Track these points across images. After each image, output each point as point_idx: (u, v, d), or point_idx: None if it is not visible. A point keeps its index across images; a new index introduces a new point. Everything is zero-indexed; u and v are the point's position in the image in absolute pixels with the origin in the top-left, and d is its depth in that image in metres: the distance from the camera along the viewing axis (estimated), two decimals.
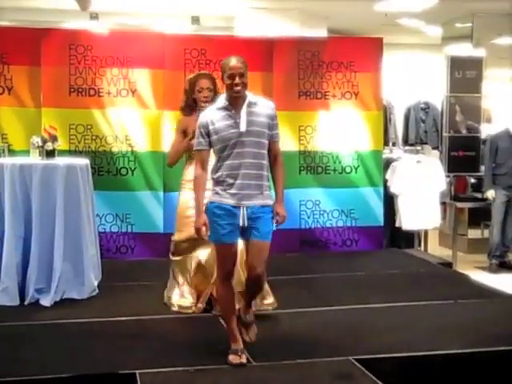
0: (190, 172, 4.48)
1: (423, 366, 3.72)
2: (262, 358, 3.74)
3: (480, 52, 8.31)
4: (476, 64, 7.47)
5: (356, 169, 6.76)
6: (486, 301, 5.10)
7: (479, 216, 7.64)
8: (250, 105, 3.59)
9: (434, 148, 8.60)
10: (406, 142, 9.17)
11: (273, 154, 3.69)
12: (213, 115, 3.57)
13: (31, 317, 4.45)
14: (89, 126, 6.25)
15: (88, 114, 6.25)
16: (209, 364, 3.66)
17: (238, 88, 3.52)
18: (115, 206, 6.26)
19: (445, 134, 7.41)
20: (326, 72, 6.64)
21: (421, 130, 9.29)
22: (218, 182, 3.58)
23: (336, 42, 7.25)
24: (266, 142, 3.61)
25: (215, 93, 4.47)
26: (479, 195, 7.41)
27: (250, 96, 3.62)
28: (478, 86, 7.42)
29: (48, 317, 4.46)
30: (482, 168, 7.20)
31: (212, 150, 3.64)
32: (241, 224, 3.55)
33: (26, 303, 4.69)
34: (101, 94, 6.27)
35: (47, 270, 4.75)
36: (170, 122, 6.34)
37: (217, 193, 3.58)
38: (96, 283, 5.01)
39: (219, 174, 3.57)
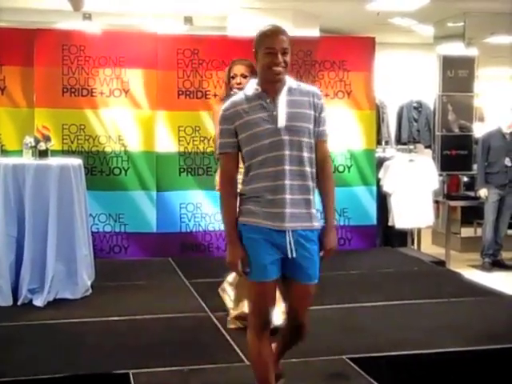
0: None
1: (417, 365, 3.73)
2: None
3: (472, 51, 8.33)
4: (468, 63, 7.50)
5: (349, 168, 6.78)
6: (479, 299, 5.12)
7: (472, 214, 7.67)
8: (291, 92, 2.72)
9: (426, 147, 8.62)
10: (398, 140, 9.20)
11: (319, 158, 2.76)
12: (241, 105, 2.70)
13: (24, 317, 4.44)
14: (82, 126, 6.24)
15: (81, 114, 6.25)
16: (203, 364, 3.66)
17: (279, 69, 2.65)
18: (108, 206, 6.26)
19: (437, 133, 7.43)
20: (318, 71, 6.65)
21: (413, 128, 9.32)
22: (250, 198, 2.70)
23: (328, 41, 7.26)
24: (312, 141, 2.72)
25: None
26: (472, 194, 7.44)
27: (290, 80, 2.75)
28: (470, 85, 7.45)
29: (41, 317, 4.45)
30: (475, 167, 7.23)
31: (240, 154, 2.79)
32: (289, 255, 2.66)
33: (19, 303, 4.68)
34: (94, 94, 6.26)
35: (40, 270, 4.74)
36: (163, 122, 6.35)
37: (250, 212, 2.69)
38: (89, 283, 5.00)
39: (252, 186, 2.69)
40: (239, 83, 4.04)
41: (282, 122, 2.66)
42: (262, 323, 2.76)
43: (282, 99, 2.69)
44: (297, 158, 2.67)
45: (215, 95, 6.39)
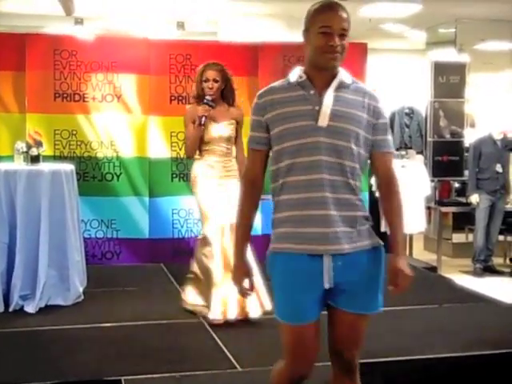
0: (199, 167, 4.48)
1: (408, 371, 3.73)
2: (248, 363, 3.74)
3: (463, 57, 8.38)
4: (459, 69, 7.53)
5: None
6: (471, 305, 5.14)
7: (463, 220, 7.70)
8: (343, 87, 2.25)
9: (418, 153, 8.65)
10: None
11: (381, 175, 2.30)
12: (279, 93, 2.25)
13: (15, 323, 4.42)
14: (74, 132, 6.23)
15: (73, 119, 6.23)
16: (195, 370, 3.65)
17: (335, 54, 2.19)
18: (100, 212, 6.24)
19: (429, 139, 7.46)
20: None
21: (405, 134, 9.34)
22: (282, 216, 2.24)
23: None
24: (362, 150, 2.23)
25: (225, 84, 4.47)
26: (463, 200, 7.47)
27: (344, 73, 2.28)
28: (462, 91, 7.49)
29: (32, 323, 4.43)
30: (466, 173, 7.26)
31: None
32: (325, 285, 2.20)
33: (10, 310, 4.65)
34: (86, 100, 6.25)
35: (32, 277, 4.72)
36: (155, 128, 6.34)
37: (283, 235, 2.22)
38: (81, 289, 4.98)
39: (284, 197, 2.22)
40: (211, 88, 4.40)
41: (323, 119, 2.18)
42: (298, 377, 2.31)
43: (330, 93, 2.21)
44: (337, 165, 2.18)
45: None
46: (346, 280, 2.20)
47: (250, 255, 3.93)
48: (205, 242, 4.44)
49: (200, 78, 4.46)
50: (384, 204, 2.32)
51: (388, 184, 2.31)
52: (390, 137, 2.30)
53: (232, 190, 4.24)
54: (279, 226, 2.24)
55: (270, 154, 2.31)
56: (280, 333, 2.31)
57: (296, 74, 2.28)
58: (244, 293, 2.39)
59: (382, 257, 2.28)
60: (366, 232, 2.25)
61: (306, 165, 2.18)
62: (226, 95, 4.52)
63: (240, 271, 2.36)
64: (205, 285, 4.49)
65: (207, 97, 4.41)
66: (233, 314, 4.37)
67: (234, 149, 4.57)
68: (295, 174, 2.20)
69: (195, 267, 4.58)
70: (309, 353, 2.26)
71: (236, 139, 4.58)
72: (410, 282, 2.25)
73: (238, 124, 4.58)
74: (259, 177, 2.33)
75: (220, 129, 4.47)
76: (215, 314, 4.35)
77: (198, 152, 4.48)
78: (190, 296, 4.64)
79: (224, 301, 4.33)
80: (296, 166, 2.19)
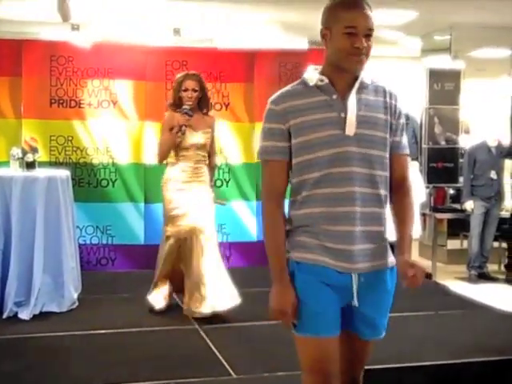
0: (173, 171, 4.70)
1: (404, 378, 3.73)
2: (243, 370, 3.74)
3: (458, 64, 8.41)
4: (454, 76, 7.57)
5: None
6: (466, 311, 5.15)
7: (458, 227, 7.70)
8: (364, 88, 2.10)
9: (413, 159, 8.67)
10: None
11: (396, 177, 2.15)
12: (298, 99, 2.06)
13: (9, 330, 4.41)
14: (69, 138, 6.23)
15: (69, 125, 6.23)
16: (190, 377, 3.65)
17: (361, 57, 2.03)
18: (96, 218, 6.24)
19: (424, 146, 7.48)
20: None
21: None
22: (301, 228, 2.08)
23: (317, 53, 7.27)
24: (387, 155, 2.10)
25: (202, 93, 4.70)
26: (458, 206, 7.48)
27: (364, 73, 2.11)
28: (457, 98, 7.52)
29: (27, 330, 4.42)
30: (461, 179, 7.28)
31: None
32: (354, 303, 2.09)
33: (4, 316, 4.64)
34: (82, 106, 6.25)
35: (26, 283, 4.71)
36: (151, 134, 6.35)
37: (304, 245, 2.07)
38: (76, 296, 4.98)
39: (305, 211, 2.07)
40: (190, 97, 4.62)
41: (351, 127, 2.03)
42: None
43: (353, 97, 2.05)
44: (369, 176, 2.05)
45: None
46: (367, 300, 2.10)
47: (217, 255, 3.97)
48: (166, 241, 4.73)
49: (179, 87, 4.68)
50: (396, 204, 2.18)
51: (402, 186, 2.17)
52: (405, 137, 2.19)
53: (202, 196, 4.66)
54: (298, 234, 2.08)
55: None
56: (301, 348, 2.13)
57: (313, 76, 2.08)
58: (288, 325, 2.11)
59: (395, 278, 2.16)
60: (386, 249, 2.14)
61: (336, 177, 2.03)
62: (202, 104, 4.76)
63: (288, 301, 2.06)
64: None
65: (186, 107, 4.62)
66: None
67: (206, 157, 4.80)
68: (324, 187, 2.03)
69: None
70: (331, 366, 2.11)
71: (211, 145, 4.83)
72: (423, 275, 2.14)
73: (211, 134, 4.81)
74: (284, 192, 2.12)
75: (197, 137, 4.69)
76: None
77: (174, 157, 4.70)
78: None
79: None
80: (325, 179, 2.03)
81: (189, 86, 4.66)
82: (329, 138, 2.03)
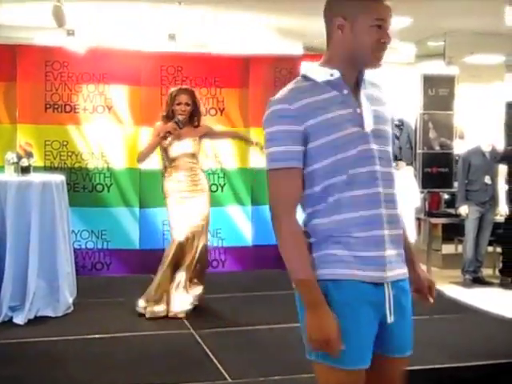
0: (170, 183, 4.86)
1: None
2: (238, 374, 3.74)
3: (452, 70, 8.45)
4: (448, 82, 7.60)
5: None
6: (461, 316, 5.16)
7: (453, 231, 7.72)
8: (368, 83, 1.97)
9: (408, 164, 8.71)
10: None
11: None
12: (312, 95, 1.86)
13: (4, 335, 4.40)
14: (64, 143, 6.23)
15: (64, 130, 6.23)
16: (185, 381, 3.65)
17: (383, 53, 1.91)
18: (91, 223, 6.23)
19: (418, 151, 7.51)
20: None
21: (395, 146, 9.40)
22: (332, 238, 1.86)
23: (311, 59, 7.31)
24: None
25: (194, 107, 4.87)
26: (453, 211, 7.50)
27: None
28: (451, 104, 7.55)
29: (21, 335, 4.41)
30: (456, 184, 7.30)
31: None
32: (388, 320, 1.88)
33: None
34: (77, 111, 6.25)
35: (21, 288, 4.70)
36: (146, 139, 6.34)
37: (337, 259, 1.85)
38: (71, 300, 4.97)
39: (336, 218, 1.86)
40: (184, 110, 4.80)
41: (369, 124, 1.89)
42: None
43: (362, 92, 1.92)
44: (387, 175, 1.92)
45: None
46: (398, 313, 1.90)
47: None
48: (173, 245, 4.88)
49: (172, 100, 4.86)
50: None
51: None
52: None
53: (200, 203, 4.85)
54: (328, 247, 1.85)
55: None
56: (324, 379, 1.88)
57: (321, 70, 1.90)
58: (336, 354, 1.80)
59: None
60: (403, 256, 1.96)
61: (363, 178, 1.86)
62: (193, 118, 4.93)
63: (332, 326, 1.78)
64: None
65: (179, 117, 4.79)
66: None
67: (200, 164, 5.01)
68: (354, 189, 1.85)
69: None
70: None
71: (218, 135, 5.34)
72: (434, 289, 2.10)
73: (209, 134, 5.11)
74: (298, 203, 1.89)
75: (184, 145, 4.85)
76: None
77: (165, 170, 4.93)
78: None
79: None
80: (353, 180, 1.85)
81: (182, 100, 4.85)
82: (351, 136, 1.85)
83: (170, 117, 4.88)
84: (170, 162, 4.85)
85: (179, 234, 4.81)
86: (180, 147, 4.85)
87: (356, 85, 1.92)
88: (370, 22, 1.84)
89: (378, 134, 1.91)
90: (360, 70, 1.92)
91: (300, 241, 1.85)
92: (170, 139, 4.76)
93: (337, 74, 1.88)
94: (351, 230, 1.84)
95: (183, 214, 4.81)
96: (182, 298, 4.82)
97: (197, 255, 4.88)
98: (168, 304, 4.81)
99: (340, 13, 1.87)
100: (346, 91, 1.88)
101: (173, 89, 5.01)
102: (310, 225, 1.88)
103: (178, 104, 4.84)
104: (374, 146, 1.88)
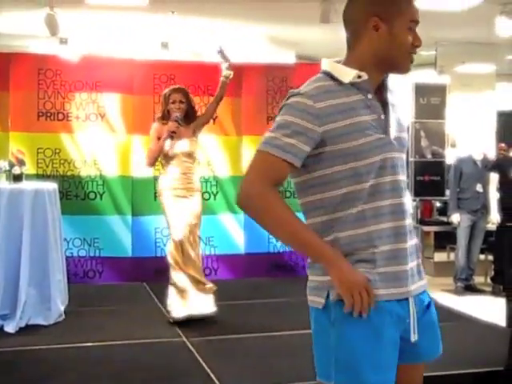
0: (165, 180, 4.89)
1: None
2: (231, 382, 3.73)
3: (444, 79, 8.51)
4: (440, 90, 7.66)
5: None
6: (453, 323, 5.16)
7: (445, 239, 7.75)
8: (389, 89, 1.89)
9: None
10: None
11: None
12: (335, 97, 1.76)
13: None
14: (57, 150, 6.23)
15: (56, 138, 6.23)
16: None
17: (416, 52, 1.84)
18: (83, 231, 6.22)
19: (410, 159, 7.54)
20: None
21: None
22: (354, 254, 1.75)
23: (304, 67, 7.34)
24: None
25: (188, 106, 4.92)
26: (445, 219, 7.54)
27: None
28: (442, 112, 7.60)
29: (12, 343, 4.38)
30: (447, 192, 7.34)
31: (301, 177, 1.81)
32: (412, 339, 1.81)
33: None
34: (69, 119, 6.26)
35: (12, 296, 4.68)
36: (139, 147, 6.36)
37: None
38: (62, 308, 4.95)
39: (358, 231, 1.75)
40: (178, 108, 4.84)
41: (393, 131, 1.81)
42: None
43: (385, 98, 1.84)
44: (404, 184, 1.84)
45: None
46: (422, 327, 1.85)
47: None
48: (176, 246, 4.79)
49: (167, 100, 4.91)
50: None
51: None
52: None
53: (194, 203, 4.86)
54: (353, 264, 1.73)
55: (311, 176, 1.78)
56: None
57: (348, 71, 1.79)
58: (373, 297, 1.71)
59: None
60: (421, 266, 1.90)
61: (388, 187, 1.77)
62: (189, 117, 4.94)
63: (360, 275, 1.71)
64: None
65: (177, 114, 4.81)
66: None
67: (196, 164, 5.04)
68: (378, 199, 1.76)
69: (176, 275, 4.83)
70: None
71: (206, 114, 5.16)
72: None
73: (201, 120, 5.05)
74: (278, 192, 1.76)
75: (183, 145, 4.86)
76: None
77: (163, 166, 4.96)
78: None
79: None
80: (379, 189, 1.76)
81: (176, 99, 4.88)
82: (376, 142, 1.76)
83: (165, 117, 4.90)
84: (166, 160, 4.87)
85: (178, 233, 4.80)
86: (178, 146, 4.85)
87: (378, 89, 1.83)
88: (406, 24, 1.78)
89: (399, 141, 1.83)
90: (386, 74, 1.84)
91: (284, 203, 1.73)
92: (171, 142, 4.76)
93: (365, 76, 1.77)
94: (376, 244, 1.74)
95: (179, 213, 4.81)
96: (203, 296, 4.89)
97: (199, 252, 4.92)
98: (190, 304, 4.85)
99: (375, 12, 1.77)
100: (370, 95, 1.79)
101: (166, 90, 5.03)
102: (330, 238, 1.76)
103: (173, 102, 4.87)
104: (397, 154, 1.80)
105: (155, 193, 6.39)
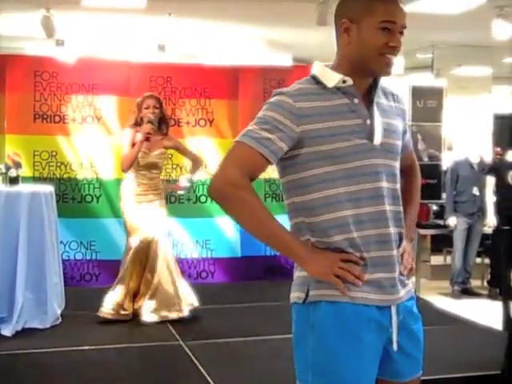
0: (130, 185, 4.97)
1: None
2: None
3: (440, 82, 8.51)
4: (437, 93, 7.67)
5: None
6: (449, 327, 5.16)
7: (442, 243, 7.76)
8: (382, 93, 1.87)
9: None
10: None
11: (406, 166, 2.00)
12: (316, 100, 1.75)
13: None
14: (53, 153, 6.21)
15: (53, 140, 6.22)
16: None
17: (392, 58, 1.78)
18: (80, 234, 6.20)
19: None
20: None
21: None
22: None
23: (301, 70, 7.32)
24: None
25: (161, 113, 4.99)
26: (441, 222, 7.53)
27: None
28: (439, 115, 7.61)
29: (9, 347, 4.36)
30: (444, 195, 7.34)
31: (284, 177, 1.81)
32: (394, 348, 1.80)
33: None
34: (66, 121, 6.24)
35: (9, 299, 4.66)
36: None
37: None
38: (59, 312, 4.93)
39: (337, 238, 1.74)
40: (153, 113, 4.90)
41: (378, 137, 1.78)
42: None
43: (374, 102, 1.81)
44: (393, 192, 1.81)
45: (187, 123, 6.45)
46: (404, 337, 1.82)
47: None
48: (128, 250, 4.95)
49: (140, 106, 4.97)
50: (404, 182, 1.93)
51: (412, 168, 2.05)
52: (409, 134, 2.02)
53: (157, 209, 4.96)
54: None
55: (294, 177, 1.78)
56: None
57: (333, 75, 1.77)
58: (360, 279, 1.72)
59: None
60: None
61: (366, 194, 1.75)
62: (161, 125, 5.04)
63: (333, 256, 1.71)
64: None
65: (151, 116, 4.89)
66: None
67: (160, 176, 5.16)
68: (360, 206, 1.74)
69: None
70: None
71: (187, 153, 5.30)
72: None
73: (179, 149, 5.28)
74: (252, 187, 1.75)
75: (151, 157, 4.97)
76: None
77: (130, 172, 4.98)
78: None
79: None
80: (356, 197, 1.74)
81: (150, 104, 4.96)
82: (356, 148, 1.74)
83: (138, 124, 4.99)
84: (136, 168, 4.93)
85: (136, 240, 4.89)
86: (147, 158, 4.95)
87: (368, 93, 1.81)
88: (376, 25, 1.73)
89: (385, 148, 1.79)
90: (375, 78, 1.81)
91: (254, 197, 1.72)
92: (149, 137, 4.84)
93: (350, 81, 1.76)
94: (359, 250, 1.73)
95: (142, 218, 4.90)
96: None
97: (166, 261, 4.94)
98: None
99: (347, 15, 1.76)
100: (356, 100, 1.77)
101: (140, 98, 5.07)
102: (312, 240, 1.75)
103: (147, 108, 4.93)
104: (381, 161, 1.77)
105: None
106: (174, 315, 4.87)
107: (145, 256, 4.90)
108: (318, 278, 1.72)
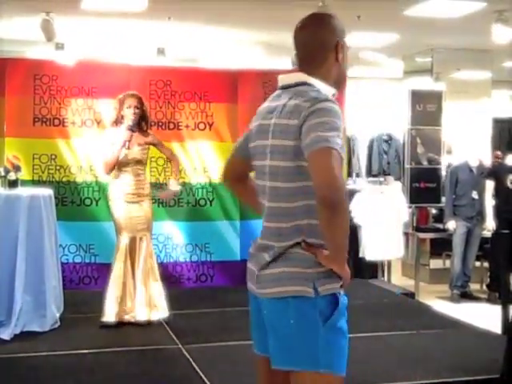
0: (117, 185, 5.01)
1: None
2: None
3: (440, 86, 8.53)
4: (436, 97, 7.67)
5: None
6: (448, 331, 5.16)
7: (441, 246, 7.76)
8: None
9: (396, 179, 8.76)
10: (369, 173, 9.32)
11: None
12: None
13: None
14: (53, 156, 6.21)
15: (52, 143, 6.21)
16: None
17: None
18: (79, 237, 6.19)
19: (407, 166, 7.55)
20: None
21: (383, 161, 9.46)
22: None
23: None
24: None
25: (141, 111, 5.03)
26: (441, 226, 7.54)
27: None
28: (438, 119, 7.62)
29: (7, 350, 4.36)
30: (443, 199, 7.35)
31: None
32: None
33: None
34: (65, 124, 6.24)
35: (7, 302, 4.66)
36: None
37: (332, 275, 1.96)
38: (58, 315, 4.93)
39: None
40: (134, 113, 4.94)
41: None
42: None
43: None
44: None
45: (187, 126, 6.46)
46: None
47: None
48: (117, 249, 5.02)
49: (121, 105, 4.99)
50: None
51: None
52: None
53: (145, 209, 5.04)
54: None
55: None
56: None
57: (327, 88, 2.04)
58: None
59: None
60: None
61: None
62: (142, 122, 5.07)
63: (347, 268, 2.00)
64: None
65: (130, 122, 4.92)
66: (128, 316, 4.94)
67: (146, 171, 5.21)
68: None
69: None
70: None
71: (163, 149, 5.31)
72: None
73: (157, 145, 5.23)
74: None
75: (135, 153, 4.99)
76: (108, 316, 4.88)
77: (116, 172, 5.02)
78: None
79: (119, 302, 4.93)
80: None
81: (132, 103, 4.98)
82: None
83: (119, 121, 5.01)
84: (118, 166, 4.96)
85: (125, 240, 4.96)
86: (129, 154, 4.97)
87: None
88: (346, 48, 2.06)
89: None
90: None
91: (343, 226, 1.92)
92: (127, 144, 4.89)
93: (336, 94, 2.04)
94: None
95: (129, 218, 4.96)
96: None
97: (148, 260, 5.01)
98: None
99: (339, 35, 2.04)
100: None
101: (121, 95, 5.07)
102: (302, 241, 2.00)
103: (129, 107, 4.95)
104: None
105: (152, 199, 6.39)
106: (127, 317, 4.94)
107: (134, 254, 4.97)
108: (327, 274, 1.94)
